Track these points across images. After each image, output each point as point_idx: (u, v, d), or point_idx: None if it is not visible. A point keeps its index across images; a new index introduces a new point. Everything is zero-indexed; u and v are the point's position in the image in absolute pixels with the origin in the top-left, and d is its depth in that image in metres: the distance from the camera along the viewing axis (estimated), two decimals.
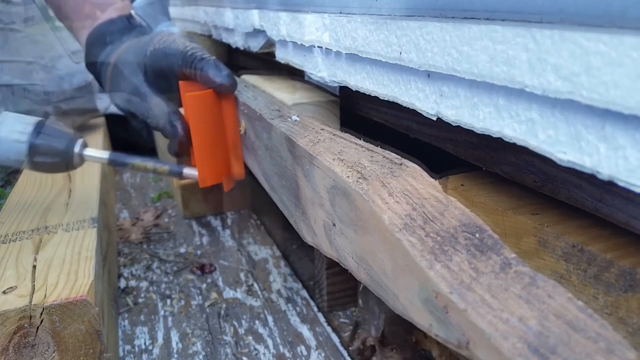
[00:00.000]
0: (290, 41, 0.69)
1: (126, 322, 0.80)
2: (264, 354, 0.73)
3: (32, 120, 0.71)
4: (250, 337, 0.76)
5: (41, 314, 0.51)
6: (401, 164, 0.41)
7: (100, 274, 0.63)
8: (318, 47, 0.61)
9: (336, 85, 0.62)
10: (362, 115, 0.68)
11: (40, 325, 0.51)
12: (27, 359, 0.51)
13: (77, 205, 0.75)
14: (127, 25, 0.91)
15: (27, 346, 0.51)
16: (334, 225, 0.43)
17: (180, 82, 0.85)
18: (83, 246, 0.63)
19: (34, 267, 0.58)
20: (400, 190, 0.36)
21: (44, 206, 0.75)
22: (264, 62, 1.18)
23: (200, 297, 0.87)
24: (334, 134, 0.51)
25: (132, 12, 0.96)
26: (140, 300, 0.86)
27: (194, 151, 0.74)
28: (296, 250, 1.04)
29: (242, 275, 0.93)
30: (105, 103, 1.57)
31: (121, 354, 0.73)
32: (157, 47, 0.81)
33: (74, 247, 0.62)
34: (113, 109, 1.56)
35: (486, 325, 0.23)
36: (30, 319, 0.50)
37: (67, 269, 0.57)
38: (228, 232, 1.12)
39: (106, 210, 0.87)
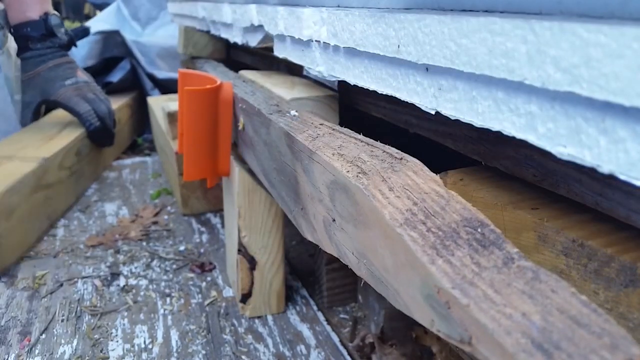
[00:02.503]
0: (288, 36, 0.68)
1: (125, 320, 0.80)
2: (264, 352, 0.73)
3: None
4: (250, 336, 0.76)
5: None
6: (401, 159, 0.40)
7: None
8: (316, 41, 0.61)
9: (334, 80, 0.61)
10: (361, 111, 0.68)
11: None
12: None
13: None
14: (44, 32, 1.24)
15: None
16: (334, 220, 0.43)
17: (180, 71, 0.85)
18: None
19: None
20: (400, 185, 0.36)
21: None
22: (263, 57, 1.17)
23: (200, 296, 0.86)
24: (333, 129, 0.51)
25: (50, 8, 1.27)
26: (139, 298, 0.86)
27: (185, 145, 0.74)
28: (295, 247, 1.03)
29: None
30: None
31: (121, 352, 0.73)
32: (60, 101, 1.23)
33: None
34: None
35: (489, 321, 0.23)
36: None
37: None
38: None
39: None
